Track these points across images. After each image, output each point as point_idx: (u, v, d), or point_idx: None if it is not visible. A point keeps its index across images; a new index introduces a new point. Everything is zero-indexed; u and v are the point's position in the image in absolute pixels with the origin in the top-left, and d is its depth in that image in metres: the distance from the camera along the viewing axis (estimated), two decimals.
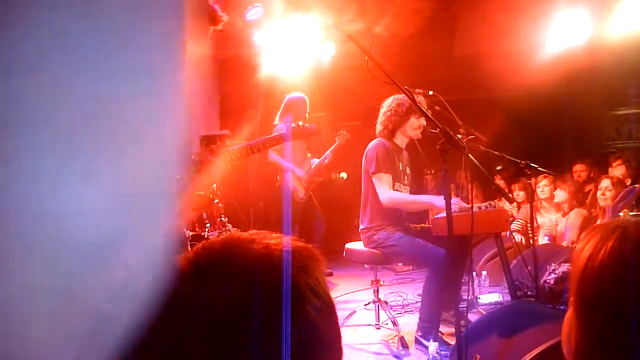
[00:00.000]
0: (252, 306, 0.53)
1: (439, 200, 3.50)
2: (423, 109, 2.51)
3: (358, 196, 3.76)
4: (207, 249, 0.60)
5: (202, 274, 0.57)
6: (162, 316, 0.55)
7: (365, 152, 3.63)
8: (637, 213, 4.02)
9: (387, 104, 3.65)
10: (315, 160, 5.40)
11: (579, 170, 6.29)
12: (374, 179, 3.52)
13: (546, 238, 5.24)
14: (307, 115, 5.13)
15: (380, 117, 3.67)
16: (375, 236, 3.54)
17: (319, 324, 0.57)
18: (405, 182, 3.72)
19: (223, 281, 0.55)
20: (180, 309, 0.55)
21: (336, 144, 5.31)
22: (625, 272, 0.72)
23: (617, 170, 5.66)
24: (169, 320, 0.55)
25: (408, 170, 3.76)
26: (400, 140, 3.68)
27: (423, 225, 3.82)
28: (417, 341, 3.39)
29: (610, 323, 0.74)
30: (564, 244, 4.80)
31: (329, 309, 0.60)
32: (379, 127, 3.66)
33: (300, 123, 2.88)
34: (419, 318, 3.42)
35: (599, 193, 4.79)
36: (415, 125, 3.58)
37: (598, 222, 4.57)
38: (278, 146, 5.07)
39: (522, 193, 5.76)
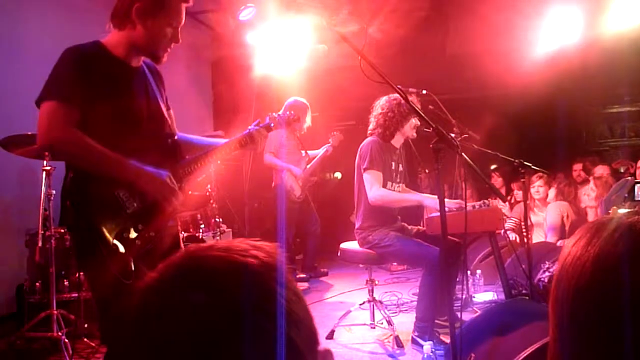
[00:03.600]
0: (226, 306, 0.53)
1: (428, 200, 3.50)
2: (416, 108, 2.50)
3: (352, 196, 3.75)
4: (167, 264, 0.60)
5: (167, 285, 0.56)
6: (131, 330, 0.54)
7: (359, 149, 3.60)
8: (628, 210, 4.02)
9: (383, 104, 3.59)
10: (312, 152, 5.32)
11: (579, 169, 6.25)
12: (364, 175, 3.49)
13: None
14: (308, 122, 5.05)
15: (378, 118, 3.59)
16: (370, 237, 3.52)
17: (293, 309, 0.58)
18: (398, 180, 3.70)
19: (190, 288, 0.55)
20: (149, 321, 0.54)
21: (327, 146, 5.25)
22: (611, 278, 0.71)
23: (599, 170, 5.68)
24: (139, 333, 0.54)
25: (401, 168, 3.74)
26: (397, 140, 3.65)
27: (419, 227, 3.81)
28: (413, 341, 3.39)
29: (603, 330, 0.72)
30: (559, 243, 4.80)
31: (297, 294, 0.61)
32: (378, 130, 3.58)
33: (275, 114, 2.74)
34: (415, 318, 3.42)
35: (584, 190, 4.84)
36: (414, 125, 3.57)
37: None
38: (274, 149, 5.09)
39: (521, 192, 5.75)
